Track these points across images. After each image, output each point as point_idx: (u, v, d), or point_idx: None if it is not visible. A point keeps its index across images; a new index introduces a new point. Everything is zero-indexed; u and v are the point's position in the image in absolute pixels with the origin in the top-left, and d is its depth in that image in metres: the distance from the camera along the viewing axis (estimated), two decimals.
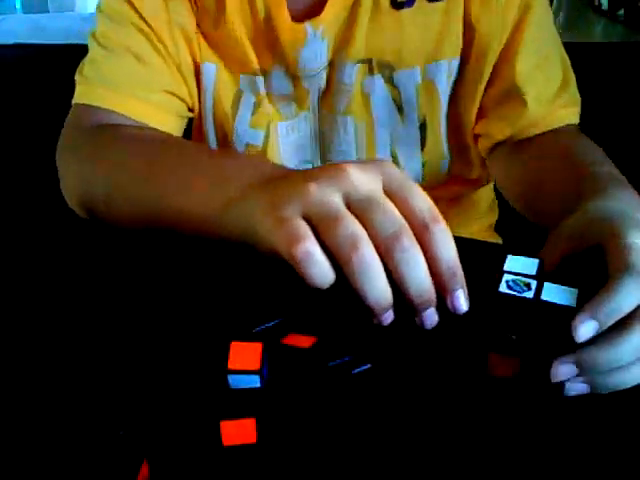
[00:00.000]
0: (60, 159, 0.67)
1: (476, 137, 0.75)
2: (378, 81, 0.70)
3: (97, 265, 0.54)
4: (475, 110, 0.72)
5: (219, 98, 0.73)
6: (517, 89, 0.68)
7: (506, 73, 0.69)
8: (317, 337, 0.44)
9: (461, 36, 0.68)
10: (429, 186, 0.75)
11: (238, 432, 0.37)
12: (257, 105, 0.72)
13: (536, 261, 0.43)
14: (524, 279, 0.41)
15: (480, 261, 0.43)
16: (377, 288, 0.38)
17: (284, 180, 0.43)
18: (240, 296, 0.49)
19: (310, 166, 0.76)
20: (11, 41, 1.09)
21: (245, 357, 0.39)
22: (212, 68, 0.71)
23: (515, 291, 0.40)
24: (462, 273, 0.40)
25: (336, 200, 0.39)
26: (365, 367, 0.43)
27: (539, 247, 0.46)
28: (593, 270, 0.42)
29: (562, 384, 0.40)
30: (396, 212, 0.39)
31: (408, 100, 0.71)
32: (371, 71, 0.70)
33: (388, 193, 0.40)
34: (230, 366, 0.39)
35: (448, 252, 0.39)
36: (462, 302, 0.40)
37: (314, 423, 0.39)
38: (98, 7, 0.70)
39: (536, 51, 0.69)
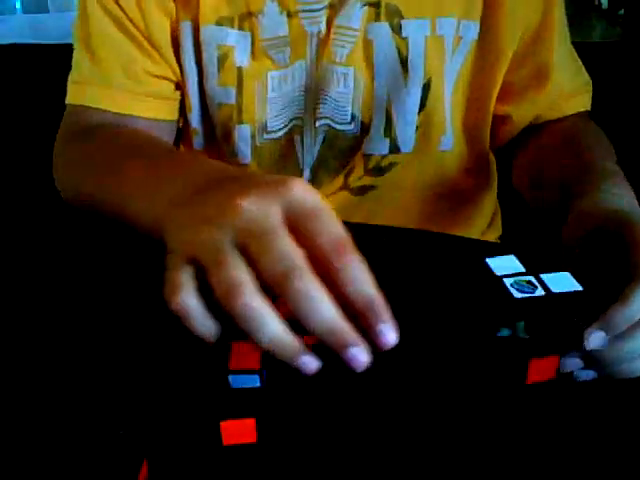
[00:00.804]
0: (54, 163, 0.67)
1: (498, 122, 0.74)
2: (384, 29, 0.66)
3: (98, 265, 0.54)
4: (496, 90, 0.71)
5: (199, 60, 0.67)
6: (549, 70, 0.69)
7: (541, 54, 0.69)
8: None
9: (481, 1, 0.67)
10: (422, 180, 0.75)
11: (238, 432, 0.37)
12: (223, 59, 0.67)
13: (512, 257, 0.43)
14: (524, 278, 0.41)
15: (465, 268, 0.43)
16: (268, 334, 0.34)
17: (190, 209, 0.40)
18: None
19: (299, 123, 0.71)
20: (11, 41, 1.09)
21: (245, 357, 0.39)
22: (188, 27, 0.66)
23: (527, 293, 0.41)
24: (382, 303, 0.35)
25: (222, 242, 0.35)
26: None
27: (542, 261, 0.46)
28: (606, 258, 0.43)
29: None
30: (289, 247, 0.35)
31: (415, 53, 0.67)
32: (378, 17, 0.65)
33: (291, 222, 0.36)
34: (231, 366, 0.39)
35: (360, 286, 0.34)
36: (389, 337, 0.34)
37: (314, 423, 0.39)
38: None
39: (563, 34, 0.70)
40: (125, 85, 0.66)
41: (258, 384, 0.39)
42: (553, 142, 0.69)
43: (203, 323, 0.36)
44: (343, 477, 0.37)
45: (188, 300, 0.35)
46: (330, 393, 0.41)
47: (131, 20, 0.65)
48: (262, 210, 0.36)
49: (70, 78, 0.68)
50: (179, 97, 0.70)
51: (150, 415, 0.40)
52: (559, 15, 0.69)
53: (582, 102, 0.72)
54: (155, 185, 0.47)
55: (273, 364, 0.41)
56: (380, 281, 0.45)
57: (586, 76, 0.73)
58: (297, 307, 0.34)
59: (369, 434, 0.39)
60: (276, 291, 0.34)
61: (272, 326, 0.34)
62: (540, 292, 0.40)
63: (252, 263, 0.35)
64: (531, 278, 0.41)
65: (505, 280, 0.41)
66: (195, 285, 0.36)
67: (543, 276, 0.41)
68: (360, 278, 0.35)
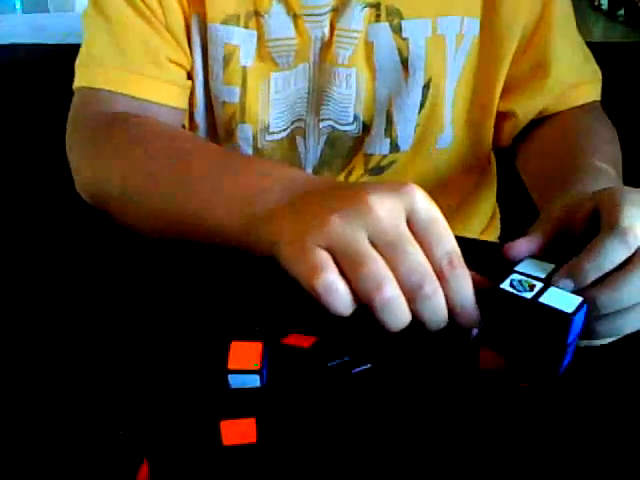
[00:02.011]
0: (71, 150, 0.64)
1: (502, 119, 0.73)
2: (385, 30, 0.66)
3: (98, 265, 0.54)
4: (500, 86, 0.70)
5: (206, 55, 0.67)
6: (550, 62, 0.69)
7: (541, 46, 0.69)
8: (317, 337, 0.44)
9: None
10: (419, 177, 0.74)
11: (238, 432, 0.37)
12: (228, 57, 0.67)
13: (551, 266, 0.42)
14: (530, 280, 0.41)
15: (491, 259, 0.44)
16: (400, 321, 0.39)
17: (308, 205, 0.42)
18: (241, 296, 0.49)
19: (302, 125, 0.71)
20: (11, 41, 1.09)
21: (245, 357, 0.39)
22: (196, 22, 0.66)
23: (517, 290, 0.41)
24: (477, 312, 0.40)
25: (360, 238, 0.39)
26: (365, 367, 0.43)
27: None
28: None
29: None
30: (421, 257, 0.39)
31: (416, 54, 0.67)
32: (378, 18, 0.66)
33: (412, 229, 0.40)
34: (230, 366, 0.39)
35: (466, 298, 0.40)
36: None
37: (314, 423, 0.39)
38: None
39: (566, 25, 0.70)
40: (149, 70, 0.65)
41: (258, 384, 0.39)
42: (548, 139, 0.69)
43: (344, 299, 0.38)
44: (343, 477, 0.37)
45: (333, 277, 0.38)
46: (330, 393, 0.41)
47: (148, 6, 0.64)
48: (392, 214, 0.39)
49: (81, 61, 0.67)
50: (189, 86, 0.69)
51: (150, 415, 0.40)
52: (560, 7, 0.69)
53: (589, 92, 0.72)
54: (245, 189, 0.47)
55: (274, 364, 0.41)
56: None
57: (594, 66, 0.72)
58: (425, 311, 0.39)
59: (369, 434, 0.39)
60: (407, 294, 0.39)
61: (404, 315, 0.39)
62: (527, 295, 0.40)
63: (388, 265, 0.39)
64: (537, 283, 0.41)
65: (513, 274, 0.42)
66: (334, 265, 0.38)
67: (552, 288, 0.41)
68: (469, 288, 0.40)
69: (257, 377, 0.39)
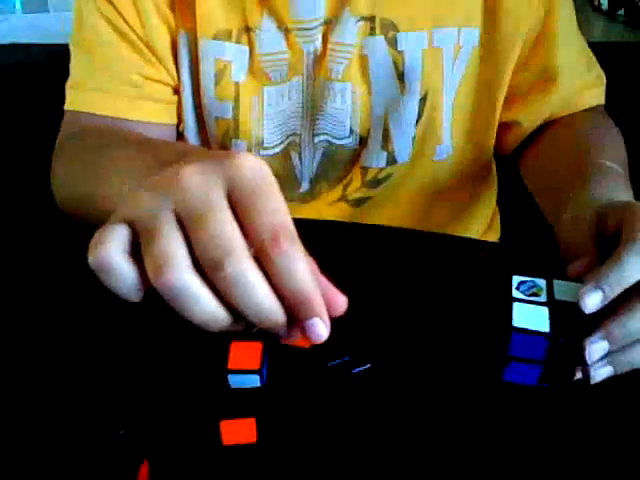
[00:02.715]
0: (51, 170, 0.66)
1: (505, 129, 0.73)
2: (380, 43, 0.65)
3: None
4: (502, 95, 0.70)
5: (196, 72, 0.67)
6: (556, 71, 0.68)
7: (545, 56, 0.68)
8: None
9: (481, 7, 0.65)
10: (416, 189, 0.74)
11: (238, 432, 0.37)
12: (220, 73, 0.66)
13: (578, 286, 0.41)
14: (541, 289, 0.41)
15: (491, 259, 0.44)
16: (200, 313, 0.33)
17: (143, 183, 0.36)
18: None
19: (297, 139, 0.71)
20: (11, 41, 1.09)
21: (245, 357, 0.39)
22: (185, 38, 0.66)
23: (516, 287, 0.41)
24: (314, 296, 0.33)
25: (161, 209, 0.33)
26: (365, 367, 0.43)
27: (541, 264, 0.46)
28: None
29: (587, 374, 0.40)
30: (225, 227, 0.32)
31: (412, 67, 0.66)
32: (372, 31, 0.64)
33: (232, 201, 0.33)
34: (230, 366, 0.39)
35: (293, 278, 0.33)
36: (319, 331, 0.34)
37: (314, 423, 0.39)
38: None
39: (569, 32, 0.69)
40: (122, 90, 0.65)
41: (258, 384, 0.39)
42: (554, 142, 0.69)
43: (125, 280, 0.33)
44: (342, 477, 0.37)
45: (112, 254, 0.32)
46: (330, 393, 0.41)
47: (129, 24, 0.64)
48: (203, 184, 0.33)
49: (67, 83, 0.68)
50: (176, 101, 0.69)
51: (150, 415, 0.40)
52: (564, 14, 0.68)
53: (593, 97, 0.71)
54: (126, 173, 0.47)
55: (274, 364, 0.41)
56: (380, 281, 0.45)
57: (598, 70, 0.72)
58: (229, 294, 0.32)
59: (369, 434, 0.39)
60: (208, 275, 0.32)
61: (201, 305, 0.32)
62: (515, 294, 0.41)
63: (188, 240, 0.32)
64: (543, 298, 0.41)
65: (539, 279, 0.42)
66: (126, 245, 0.33)
67: (543, 308, 0.40)
68: (291, 270, 0.33)
69: (257, 377, 0.39)
